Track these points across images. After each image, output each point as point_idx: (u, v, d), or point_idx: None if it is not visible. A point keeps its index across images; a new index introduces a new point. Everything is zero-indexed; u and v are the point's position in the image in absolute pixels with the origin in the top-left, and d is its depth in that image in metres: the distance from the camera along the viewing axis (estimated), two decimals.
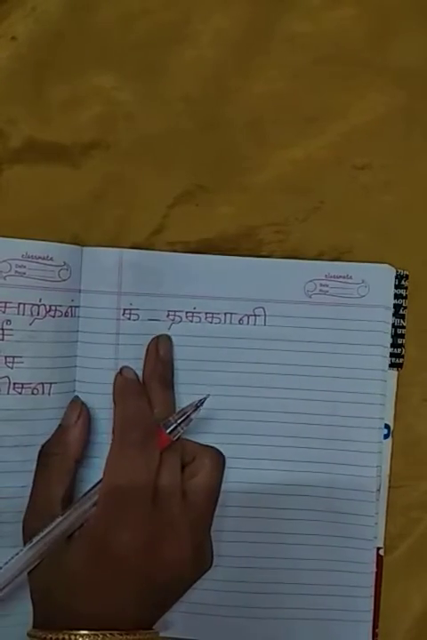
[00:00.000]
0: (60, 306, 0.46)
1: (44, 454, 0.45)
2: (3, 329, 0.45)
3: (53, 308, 0.46)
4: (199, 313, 0.47)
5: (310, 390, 0.47)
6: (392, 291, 0.47)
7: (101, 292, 0.47)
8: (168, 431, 0.43)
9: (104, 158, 0.49)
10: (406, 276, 0.48)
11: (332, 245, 0.48)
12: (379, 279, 0.47)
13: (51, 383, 0.46)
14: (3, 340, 0.45)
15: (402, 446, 0.48)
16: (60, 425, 0.45)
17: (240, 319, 0.47)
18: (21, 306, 0.45)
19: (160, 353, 0.46)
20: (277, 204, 0.49)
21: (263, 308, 0.47)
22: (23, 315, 0.45)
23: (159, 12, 0.49)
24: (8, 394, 0.45)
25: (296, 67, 0.49)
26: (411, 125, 0.49)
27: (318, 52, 0.49)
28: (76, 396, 0.46)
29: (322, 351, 0.47)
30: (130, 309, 0.47)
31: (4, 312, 0.45)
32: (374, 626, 0.47)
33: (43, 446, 0.45)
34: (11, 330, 0.45)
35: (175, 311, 0.47)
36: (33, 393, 0.45)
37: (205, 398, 0.44)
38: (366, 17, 0.49)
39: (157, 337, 0.47)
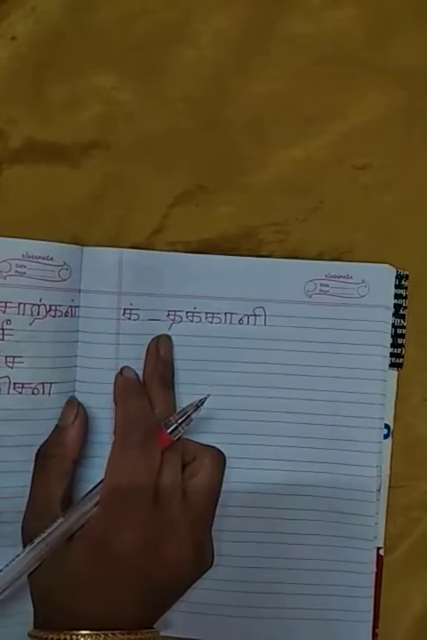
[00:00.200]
0: (61, 306, 0.46)
1: (42, 456, 0.44)
2: (3, 329, 0.45)
3: (53, 307, 0.46)
4: (199, 313, 0.47)
5: (310, 390, 0.47)
6: (392, 291, 0.47)
7: (101, 291, 0.47)
8: (169, 431, 0.43)
9: (104, 158, 0.49)
10: (407, 276, 0.48)
11: (332, 245, 0.48)
12: (379, 279, 0.47)
13: (51, 383, 0.46)
14: (3, 340, 0.45)
15: (402, 446, 0.48)
16: (56, 425, 0.45)
17: (240, 319, 0.47)
18: (21, 306, 0.45)
19: (161, 353, 0.46)
20: (278, 204, 0.49)
21: (263, 308, 0.47)
22: (23, 315, 0.45)
23: (159, 11, 0.49)
24: (8, 394, 0.45)
25: (296, 67, 0.49)
26: (411, 125, 0.49)
27: (318, 52, 0.49)
28: (73, 396, 0.46)
29: (322, 351, 0.47)
30: (130, 309, 0.47)
31: (4, 312, 0.45)
32: (374, 626, 0.47)
33: (40, 448, 0.45)
34: (11, 330, 0.45)
35: (175, 311, 0.47)
36: (33, 393, 0.45)
37: (205, 398, 0.44)
38: (366, 17, 0.49)
39: (158, 337, 0.47)
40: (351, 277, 0.47)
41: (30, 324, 0.45)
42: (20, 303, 0.45)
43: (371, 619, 0.47)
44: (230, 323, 0.47)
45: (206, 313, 0.47)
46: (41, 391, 0.46)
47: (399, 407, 0.48)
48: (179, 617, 0.45)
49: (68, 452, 0.44)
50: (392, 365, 0.48)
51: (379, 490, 0.47)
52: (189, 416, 0.44)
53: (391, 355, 0.47)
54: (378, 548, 0.47)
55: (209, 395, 0.45)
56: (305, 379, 0.47)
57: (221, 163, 0.49)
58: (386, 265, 0.47)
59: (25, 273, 0.45)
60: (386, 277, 0.47)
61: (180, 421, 0.44)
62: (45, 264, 0.45)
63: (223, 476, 0.44)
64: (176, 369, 0.47)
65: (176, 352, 0.47)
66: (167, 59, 0.49)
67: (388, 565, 0.48)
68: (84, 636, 0.39)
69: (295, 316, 0.47)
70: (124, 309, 0.47)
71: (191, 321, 0.47)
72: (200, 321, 0.47)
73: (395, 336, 0.48)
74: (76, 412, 0.45)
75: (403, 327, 0.48)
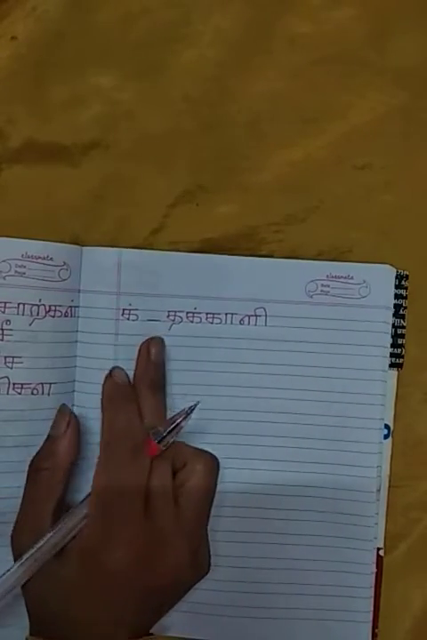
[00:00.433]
0: (60, 306, 0.46)
1: (35, 469, 0.44)
2: (2, 329, 0.45)
3: (53, 308, 0.46)
4: (200, 313, 0.47)
5: (311, 391, 0.47)
6: (393, 291, 0.47)
7: (100, 292, 0.47)
8: (158, 440, 0.43)
9: (104, 158, 0.49)
10: (407, 277, 0.48)
11: (332, 245, 0.48)
12: (380, 279, 0.47)
13: (50, 383, 0.46)
14: (2, 340, 0.45)
15: (402, 446, 0.48)
16: (48, 435, 0.45)
17: (241, 319, 0.47)
18: (21, 306, 0.45)
19: (152, 356, 0.46)
20: (277, 203, 0.49)
21: (264, 309, 0.47)
22: (23, 315, 0.45)
23: (159, 11, 0.49)
24: (8, 394, 0.45)
25: (296, 67, 0.49)
26: (411, 125, 0.49)
27: (318, 52, 0.49)
28: (64, 404, 0.46)
29: (323, 352, 0.47)
30: (129, 310, 0.47)
31: (3, 312, 0.45)
32: (374, 626, 0.47)
33: (32, 460, 0.44)
34: (10, 330, 0.45)
35: (176, 311, 0.47)
36: (33, 393, 0.45)
37: (195, 405, 0.44)
38: (366, 17, 0.49)
39: (149, 339, 0.46)
40: (352, 278, 0.47)
41: (30, 325, 0.45)
42: (19, 303, 0.45)
43: (371, 619, 0.47)
44: (231, 323, 0.47)
45: (207, 313, 0.47)
46: (40, 391, 0.45)
47: (399, 407, 0.48)
48: (178, 617, 0.45)
49: (60, 463, 0.44)
50: (392, 365, 0.48)
51: (379, 490, 0.47)
52: (178, 424, 0.43)
53: (391, 355, 0.47)
54: (378, 549, 0.47)
55: (199, 401, 0.44)
56: (305, 379, 0.47)
57: (222, 162, 0.49)
58: (387, 265, 0.47)
59: (24, 273, 0.45)
60: (386, 278, 0.47)
61: (169, 430, 0.43)
62: (45, 264, 0.45)
63: (217, 481, 0.44)
64: (177, 370, 0.47)
65: (177, 353, 0.47)
66: (167, 58, 0.49)
67: (388, 565, 0.48)
68: None
69: (296, 317, 0.47)
70: (123, 310, 0.47)
71: (192, 321, 0.47)
72: (201, 321, 0.47)
73: (395, 336, 0.48)
74: (68, 421, 0.45)
75: (403, 327, 0.48)
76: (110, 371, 0.46)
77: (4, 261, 0.45)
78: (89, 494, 0.43)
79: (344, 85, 0.49)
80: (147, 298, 0.47)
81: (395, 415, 0.48)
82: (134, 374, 0.46)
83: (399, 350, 0.48)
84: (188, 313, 0.47)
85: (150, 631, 0.42)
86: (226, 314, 0.47)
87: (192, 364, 0.47)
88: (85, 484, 0.45)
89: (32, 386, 0.45)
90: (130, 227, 0.48)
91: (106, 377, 0.45)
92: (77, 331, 0.47)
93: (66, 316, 0.46)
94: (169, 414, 0.46)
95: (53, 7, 0.49)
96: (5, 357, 0.45)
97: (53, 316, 0.46)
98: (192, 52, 0.49)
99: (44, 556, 0.41)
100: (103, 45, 0.49)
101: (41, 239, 0.45)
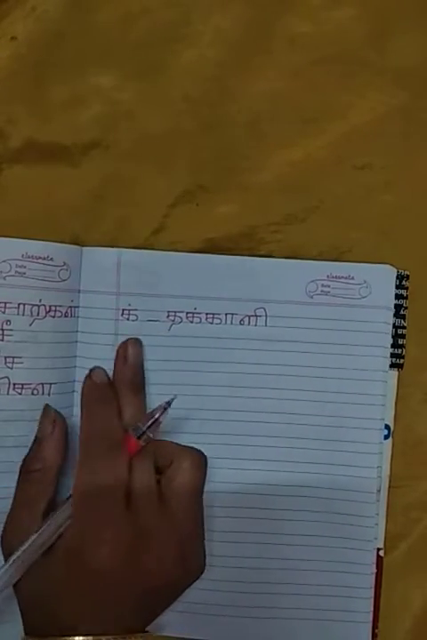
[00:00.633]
0: (60, 306, 0.46)
1: (25, 472, 0.44)
2: (3, 329, 0.45)
3: (53, 308, 0.46)
4: (200, 313, 0.47)
5: (311, 391, 0.47)
6: (393, 291, 0.47)
7: (100, 292, 0.47)
8: (137, 436, 0.43)
9: (104, 158, 0.49)
10: (407, 277, 0.48)
11: (332, 245, 0.48)
12: (380, 279, 0.47)
13: (51, 383, 0.46)
14: (3, 340, 0.45)
15: (402, 446, 0.48)
16: (35, 437, 0.45)
17: (241, 320, 0.47)
18: (21, 306, 0.45)
19: (128, 358, 0.46)
20: (277, 203, 0.49)
21: (264, 309, 0.47)
22: (23, 315, 0.45)
23: (159, 11, 0.49)
24: (8, 394, 0.45)
25: (296, 67, 0.49)
26: (411, 125, 0.49)
27: (318, 52, 0.49)
28: (47, 405, 0.45)
29: (323, 352, 0.47)
30: (129, 310, 0.47)
31: (3, 312, 0.45)
32: (374, 626, 0.47)
33: (23, 462, 0.44)
34: (11, 330, 0.45)
35: (176, 312, 0.47)
36: (33, 393, 0.45)
37: (172, 399, 0.44)
38: (366, 17, 0.49)
39: (126, 341, 0.46)
40: (353, 278, 0.47)
41: (30, 325, 0.45)
42: (19, 304, 0.45)
43: (371, 619, 0.47)
44: (231, 323, 0.47)
45: (207, 314, 0.47)
46: (41, 391, 0.45)
47: (400, 407, 0.48)
48: (176, 617, 0.45)
49: (49, 464, 0.44)
50: (393, 366, 0.48)
51: (379, 490, 0.47)
52: (156, 419, 0.43)
53: (392, 355, 0.47)
54: (378, 549, 0.47)
55: (176, 395, 0.44)
56: (306, 379, 0.47)
57: (222, 162, 0.49)
58: (387, 265, 0.47)
59: (25, 273, 0.45)
60: (387, 278, 0.47)
61: (148, 425, 0.43)
62: (45, 264, 0.45)
63: (205, 478, 0.43)
64: (176, 370, 0.47)
65: (176, 353, 0.47)
66: (167, 58, 0.49)
67: (388, 566, 0.48)
68: None
69: (297, 317, 0.47)
70: (123, 310, 0.47)
71: (191, 322, 0.47)
72: (200, 322, 0.47)
73: (395, 336, 0.48)
74: (54, 421, 0.45)
75: (403, 327, 0.48)
76: (90, 371, 0.45)
77: (4, 261, 0.45)
78: (70, 494, 0.43)
79: (344, 85, 0.49)
80: (147, 298, 0.47)
81: (395, 415, 0.48)
82: (113, 375, 0.46)
83: (400, 350, 0.48)
84: (188, 313, 0.47)
85: (146, 629, 0.42)
86: (226, 314, 0.47)
87: (192, 365, 0.47)
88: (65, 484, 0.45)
89: (32, 386, 0.45)
90: (130, 227, 0.48)
91: (85, 377, 0.45)
92: (77, 331, 0.47)
93: (66, 317, 0.46)
94: None
95: (53, 7, 0.49)
96: (5, 357, 0.45)
97: (53, 317, 0.46)
98: (192, 51, 0.49)
99: (31, 556, 0.41)
100: (103, 45, 0.49)
101: (41, 239, 0.45)
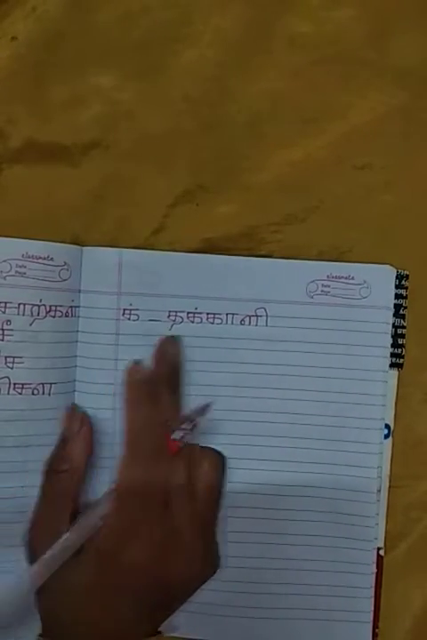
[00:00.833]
0: (61, 306, 0.46)
1: (50, 472, 0.44)
2: (3, 329, 0.45)
3: (53, 308, 0.46)
4: (201, 313, 0.47)
5: (311, 391, 0.47)
6: (393, 291, 0.47)
7: (101, 292, 0.47)
8: (176, 438, 0.43)
9: (104, 158, 0.49)
10: (407, 277, 0.48)
11: (332, 245, 0.48)
12: (380, 280, 0.47)
13: (51, 383, 0.46)
14: (3, 340, 0.45)
15: (402, 446, 0.48)
16: (62, 437, 0.45)
17: (242, 320, 0.47)
18: (21, 306, 0.45)
19: (168, 356, 0.46)
20: (277, 203, 0.49)
21: (265, 309, 0.47)
22: (23, 315, 0.45)
23: (159, 11, 0.49)
24: (8, 394, 0.45)
25: (296, 67, 0.49)
26: (411, 125, 0.49)
27: (318, 52, 0.49)
28: (74, 404, 0.46)
29: (323, 352, 0.47)
30: (130, 310, 0.47)
31: (4, 312, 0.45)
32: (375, 626, 0.47)
33: (48, 462, 0.44)
34: (11, 330, 0.45)
35: (176, 311, 0.47)
36: (33, 393, 0.45)
37: (209, 403, 0.44)
38: (366, 17, 0.49)
39: (166, 338, 0.46)
40: (353, 278, 0.47)
41: (30, 325, 0.45)
42: (20, 303, 0.45)
43: (371, 619, 0.47)
44: (232, 323, 0.47)
45: (208, 313, 0.47)
46: (41, 391, 0.45)
47: (400, 407, 0.48)
48: (176, 617, 0.45)
49: (76, 465, 0.44)
50: (393, 365, 0.48)
51: (379, 490, 0.47)
52: (195, 422, 0.43)
53: (392, 355, 0.47)
54: (378, 549, 0.47)
55: (213, 401, 0.44)
56: (306, 379, 0.47)
57: (222, 162, 0.49)
58: (387, 265, 0.47)
59: (25, 273, 0.45)
60: (387, 278, 0.47)
61: (187, 428, 0.43)
62: (45, 264, 0.45)
63: (224, 477, 0.44)
64: None
65: None
66: (167, 58, 0.49)
67: (388, 565, 0.48)
68: None
69: (297, 317, 0.47)
70: (124, 310, 0.47)
71: (192, 322, 0.47)
72: (201, 322, 0.47)
73: (395, 336, 0.48)
74: (81, 421, 0.45)
75: (403, 327, 0.48)
76: (130, 365, 0.45)
77: (4, 261, 0.45)
78: (105, 493, 0.43)
79: (344, 85, 0.49)
80: (147, 298, 0.47)
81: (395, 415, 0.48)
82: (152, 373, 0.46)
83: (400, 350, 0.48)
84: (188, 313, 0.47)
85: (159, 630, 0.43)
86: (227, 314, 0.47)
87: (193, 365, 0.47)
88: (96, 483, 0.45)
89: (33, 386, 0.45)
90: (130, 227, 0.48)
91: (125, 372, 0.45)
92: (78, 331, 0.47)
93: (66, 316, 0.46)
94: None
95: (53, 7, 0.49)
96: (6, 357, 0.45)
97: (54, 316, 0.46)
98: (192, 51, 0.49)
99: (62, 556, 0.41)
100: (103, 45, 0.49)
101: (41, 239, 0.45)
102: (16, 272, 0.45)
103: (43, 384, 0.45)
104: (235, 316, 0.47)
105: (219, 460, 0.44)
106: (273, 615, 0.46)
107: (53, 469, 0.44)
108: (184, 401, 0.46)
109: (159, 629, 0.42)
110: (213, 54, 0.49)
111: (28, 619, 0.42)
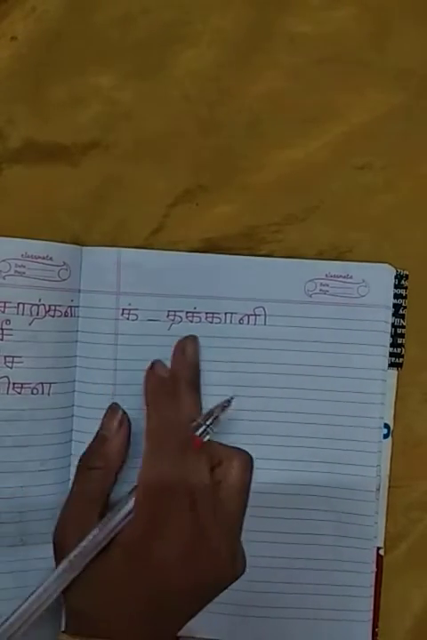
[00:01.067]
0: (60, 306, 0.46)
1: (85, 467, 0.44)
2: (2, 329, 0.45)
3: (53, 307, 0.46)
4: (199, 313, 0.47)
5: (310, 390, 0.47)
6: (392, 290, 0.47)
7: (100, 291, 0.47)
8: (199, 434, 0.43)
9: (104, 158, 0.49)
10: (406, 276, 0.48)
11: (332, 245, 0.48)
12: (379, 279, 0.47)
13: (50, 383, 0.46)
14: (2, 339, 0.45)
15: (402, 446, 0.48)
16: (99, 434, 0.45)
17: (241, 319, 0.47)
18: (21, 306, 0.45)
19: (187, 356, 0.46)
20: (277, 203, 0.49)
21: (264, 308, 0.47)
22: (23, 315, 0.45)
23: (159, 11, 0.49)
24: (8, 394, 0.45)
25: (296, 67, 0.49)
26: (411, 125, 0.49)
27: (318, 52, 0.49)
28: (115, 403, 0.46)
29: (322, 351, 0.47)
30: (129, 309, 0.47)
31: (3, 312, 0.45)
32: (374, 625, 0.47)
33: (82, 458, 0.44)
34: (10, 330, 0.45)
35: (175, 311, 0.47)
36: (33, 393, 0.45)
37: (231, 398, 0.44)
38: (366, 17, 0.49)
39: (185, 338, 0.46)
40: (352, 277, 0.47)
41: (30, 324, 0.45)
42: (19, 303, 0.45)
43: (371, 618, 0.47)
44: (231, 323, 0.47)
45: (206, 313, 0.47)
46: (40, 391, 0.45)
47: (399, 407, 0.48)
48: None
49: (112, 464, 0.44)
50: (392, 365, 0.48)
51: (379, 489, 0.47)
52: (216, 417, 0.43)
53: (391, 354, 0.47)
54: (378, 548, 0.47)
55: (234, 395, 0.44)
56: (305, 378, 0.47)
57: (221, 162, 0.49)
58: (386, 265, 0.47)
59: (24, 273, 0.45)
60: (386, 277, 0.47)
61: (208, 423, 0.43)
62: (45, 264, 0.45)
63: (252, 477, 0.43)
64: None
65: None
66: (167, 58, 0.49)
67: (388, 565, 0.48)
68: None
69: (296, 316, 0.47)
70: (123, 309, 0.47)
71: (191, 321, 0.47)
72: (200, 321, 0.47)
73: (395, 336, 0.48)
74: (120, 420, 0.45)
75: (403, 327, 0.48)
76: (152, 365, 0.46)
77: (3, 261, 0.45)
78: (132, 490, 0.43)
79: (344, 85, 0.49)
80: (147, 297, 0.47)
81: (395, 415, 0.48)
82: (171, 373, 0.46)
83: (399, 350, 0.48)
84: (187, 312, 0.47)
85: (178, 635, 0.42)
86: (225, 313, 0.47)
87: None
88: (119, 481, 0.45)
89: (32, 385, 0.45)
90: (130, 227, 0.48)
91: (148, 370, 0.45)
92: (77, 330, 0.47)
93: (66, 316, 0.46)
94: None
95: (53, 7, 0.49)
96: (5, 357, 0.45)
97: (53, 316, 0.46)
98: (192, 51, 0.49)
99: (90, 553, 0.41)
100: (103, 45, 0.49)
101: (41, 239, 0.45)
102: (15, 272, 0.45)
103: (42, 384, 0.45)
104: (233, 315, 0.47)
105: (248, 459, 0.43)
106: (271, 614, 0.46)
107: (87, 466, 0.44)
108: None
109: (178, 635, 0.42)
110: (213, 54, 0.49)
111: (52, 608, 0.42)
